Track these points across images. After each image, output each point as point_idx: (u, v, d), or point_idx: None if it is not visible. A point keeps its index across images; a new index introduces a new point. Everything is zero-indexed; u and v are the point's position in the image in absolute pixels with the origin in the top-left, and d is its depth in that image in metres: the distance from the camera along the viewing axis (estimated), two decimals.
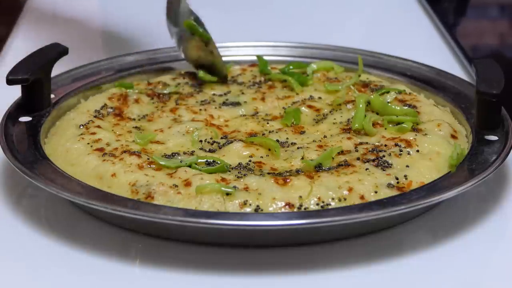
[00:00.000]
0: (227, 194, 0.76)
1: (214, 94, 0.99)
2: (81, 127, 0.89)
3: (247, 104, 0.96)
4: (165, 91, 0.99)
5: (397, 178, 0.79)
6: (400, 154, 0.82)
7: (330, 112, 0.94)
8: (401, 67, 1.03)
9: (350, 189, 0.77)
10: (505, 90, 0.85)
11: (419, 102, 0.93)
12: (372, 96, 0.92)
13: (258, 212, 0.75)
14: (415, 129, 0.87)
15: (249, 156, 0.84)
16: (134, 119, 0.93)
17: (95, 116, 0.92)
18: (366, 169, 0.80)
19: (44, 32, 1.30)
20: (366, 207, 0.74)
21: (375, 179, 0.78)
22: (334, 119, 0.92)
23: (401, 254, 0.76)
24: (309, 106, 0.95)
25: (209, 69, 1.03)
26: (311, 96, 0.97)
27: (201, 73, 1.01)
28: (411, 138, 0.85)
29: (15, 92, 0.92)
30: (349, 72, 1.02)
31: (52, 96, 0.94)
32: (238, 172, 0.80)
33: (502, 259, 0.77)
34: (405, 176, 0.79)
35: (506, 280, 0.73)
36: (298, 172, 0.80)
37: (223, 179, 0.78)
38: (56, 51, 0.96)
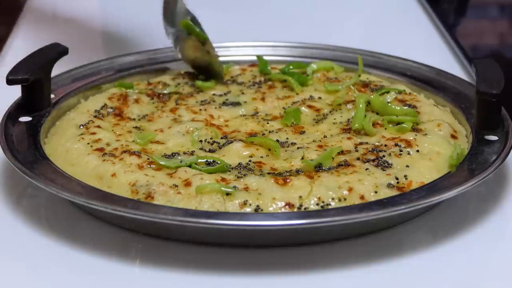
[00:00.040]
0: (227, 194, 0.76)
1: (214, 94, 0.99)
2: (81, 127, 0.89)
3: (247, 104, 0.96)
4: (165, 91, 0.99)
5: (397, 178, 0.79)
6: (400, 154, 0.82)
7: (330, 112, 0.94)
8: (401, 67, 1.03)
9: (350, 189, 0.77)
10: (505, 90, 0.85)
11: (419, 102, 0.93)
12: (372, 96, 0.92)
13: (258, 212, 0.75)
14: (415, 129, 0.87)
15: (249, 156, 0.84)
16: (134, 119, 0.93)
17: (95, 116, 0.92)
18: (366, 169, 0.80)
19: (44, 32, 1.30)
20: (366, 207, 0.74)
21: (375, 179, 0.78)
22: (334, 119, 0.92)
23: (401, 254, 0.76)
24: (309, 106, 0.95)
25: (205, 70, 1.03)
26: (311, 96, 0.97)
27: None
28: (411, 138, 0.85)
29: (15, 92, 0.92)
30: (349, 72, 1.02)
31: (52, 96, 0.94)
32: (238, 172, 0.80)
33: (502, 259, 0.77)
34: (405, 176, 0.79)
35: (506, 280, 0.73)
36: (298, 172, 0.80)
37: (223, 179, 0.78)
38: (56, 51, 0.96)
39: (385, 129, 0.88)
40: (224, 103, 0.96)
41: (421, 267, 0.74)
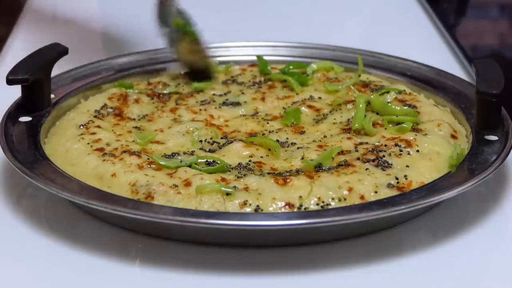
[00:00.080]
0: (227, 194, 0.76)
1: (214, 94, 0.99)
2: (81, 127, 0.89)
3: (247, 104, 0.96)
4: (165, 91, 0.99)
5: (397, 178, 0.79)
6: (400, 154, 0.82)
7: (330, 112, 0.94)
8: (401, 67, 1.03)
9: (350, 189, 0.77)
10: (505, 90, 0.85)
11: (419, 102, 0.93)
12: (372, 96, 0.92)
13: (258, 212, 0.75)
14: (415, 129, 0.87)
15: (249, 156, 0.84)
16: (134, 119, 0.93)
17: (95, 116, 0.92)
18: (366, 169, 0.80)
19: (44, 32, 1.30)
20: (366, 207, 0.74)
21: (375, 179, 0.78)
22: (334, 119, 0.92)
23: (401, 254, 0.76)
24: (309, 106, 0.95)
25: (199, 70, 1.02)
26: (311, 96, 0.97)
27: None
28: (411, 138, 0.85)
29: (15, 92, 0.92)
30: (349, 72, 1.02)
31: (52, 96, 0.94)
32: (238, 172, 0.80)
33: (502, 259, 0.77)
34: (405, 176, 0.79)
35: (506, 280, 0.73)
36: (298, 172, 0.80)
37: (223, 179, 0.78)
38: (56, 51, 0.96)
39: (385, 129, 0.88)
40: (224, 103, 0.96)
41: (421, 267, 0.74)
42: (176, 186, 0.77)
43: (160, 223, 0.74)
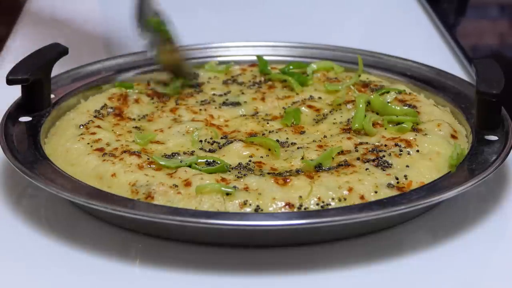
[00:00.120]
0: (227, 194, 0.76)
1: (214, 94, 0.99)
2: (81, 127, 0.89)
3: (247, 104, 0.96)
4: (165, 91, 0.99)
5: (397, 178, 0.79)
6: (400, 154, 0.82)
7: (330, 112, 0.94)
8: (401, 67, 1.03)
9: (350, 189, 0.77)
10: (505, 90, 0.85)
11: (419, 102, 0.93)
12: (372, 96, 0.92)
13: (258, 212, 0.75)
14: (415, 129, 0.87)
15: (249, 156, 0.84)
16: (134, 119, 0.93)
17: (95, 116, 0.92)
18: (366, 169, 0.80)
19: (44, 33, 1.30)
20: (366, 207, 0.74)
21: (375, 179, 0.78)
22: (334, 119, 0.92)
23: (401, 254, 0.76)
24: (309, 106, 0.95)
25: (178, 72, 1.02)
26: (311, 96, 0.97)
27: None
28: (411, 138, 0.85)
29: (15, 92, 0.92)
30: (349, 72, 1.02)
31: (52, 96, 0.94)
32: (238, 172, 0.80)
33: (502, 259, 0.77)
34: (405, 176, 0.79)
35: (506, 280, 0.73)
36: (298, 172, 0.80)
37: (223, 179, 0.78)
38: (56, 51, 0.96)
39: (385, 129, 0.88)
40: (224, 103, 0.96)
41: (421, 267, 0.74)
42: (176, 186, 0.77)
43: (160, 223, 0.74)
